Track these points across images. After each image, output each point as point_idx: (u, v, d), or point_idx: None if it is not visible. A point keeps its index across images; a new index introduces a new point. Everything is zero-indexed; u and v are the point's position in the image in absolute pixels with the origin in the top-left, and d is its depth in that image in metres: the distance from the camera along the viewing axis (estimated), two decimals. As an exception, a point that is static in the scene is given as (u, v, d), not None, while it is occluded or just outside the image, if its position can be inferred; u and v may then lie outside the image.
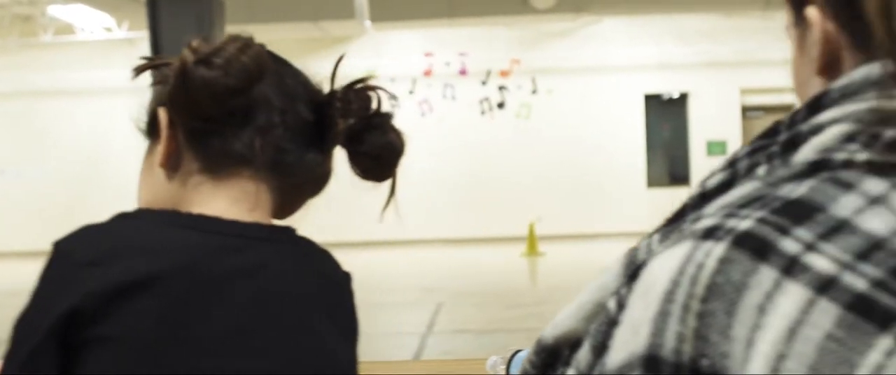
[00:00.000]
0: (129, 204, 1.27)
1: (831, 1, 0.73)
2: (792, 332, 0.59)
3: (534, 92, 16.32)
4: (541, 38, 16.27)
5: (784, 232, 0.63)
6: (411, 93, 16.35)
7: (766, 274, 0.62)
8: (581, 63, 16.27)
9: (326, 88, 1.33)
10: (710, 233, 0.66)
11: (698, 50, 16.31)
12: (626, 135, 16.36)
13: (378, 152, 1.36)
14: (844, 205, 0.63)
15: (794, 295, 0.60)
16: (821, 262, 0.61)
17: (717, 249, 0.64)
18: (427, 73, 16.32)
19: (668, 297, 0.65)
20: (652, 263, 0.69)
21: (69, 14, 14.47)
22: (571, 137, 16.28)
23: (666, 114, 16.65)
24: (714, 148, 16.39)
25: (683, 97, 16.56)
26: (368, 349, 5.22)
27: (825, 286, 0.60)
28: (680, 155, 16.67)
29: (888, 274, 0.59)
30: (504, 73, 16.28)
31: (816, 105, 0.72)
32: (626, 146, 16.36)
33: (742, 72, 16.38)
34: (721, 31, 16.32)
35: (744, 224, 0.65)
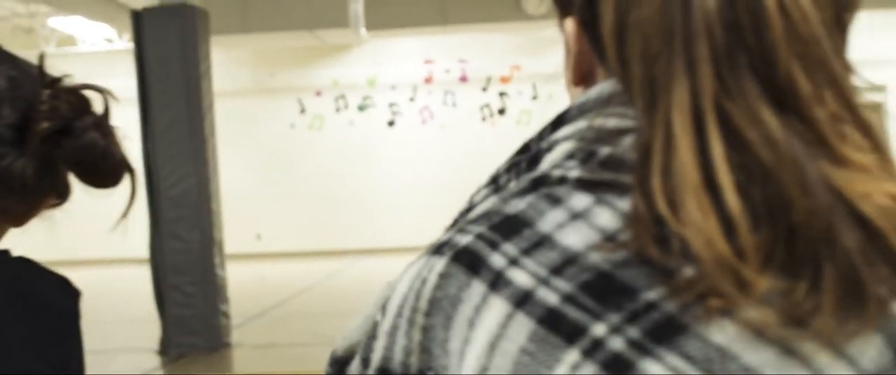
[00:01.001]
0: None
1: (580, 17, 0.73)
2: (492, 346, 0.61)
3: (534, 98, 16.33)
4: (541, 44, 16.27)
5: (494, 247, 0.64)
6: (412, 100, 16.38)
7: (477, 289, 0.64)
8: (581, 68, 16.25)
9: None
10: (438, 249, 0.68)
11: (698, 54, 16.28)
12: (627, 140, 16.33)
13: (77, 157, 1.22)
14: (549, 221, 0.64)
15: (496, 309, 0.62)
16: (520, 277, 0.62)
17: (439, 264, 0.66)
18: (427, 80, 16.34)
19: (398, 311, 0.67)
20: (400, 277, 0.71)
21: (70, 26, 14.56)
22: (572, 143, 16.25)
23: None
24: (715, 152, 16.36)
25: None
26: (309, 357, 5.20)
27: (522, 300, 0.62)
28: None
29: (578, 289, 0.61)
30: (504, 80, 16.29)
31: (559, 121, 0.74)
32: (628, 151, 16.33)
33: (743, 76, 16.34)
34: (721, 35, 16.29)
35: (464, 239, 0.66)
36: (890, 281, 0.58)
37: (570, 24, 0.77)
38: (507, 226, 0.65)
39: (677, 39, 0.60)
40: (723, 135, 0.58)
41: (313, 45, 13.74)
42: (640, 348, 0.59)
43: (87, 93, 1.25)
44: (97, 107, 1.26)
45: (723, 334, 0.59)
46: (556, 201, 0.65)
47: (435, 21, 11.84)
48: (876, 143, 0.62)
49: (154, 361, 6.92)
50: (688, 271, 0.58)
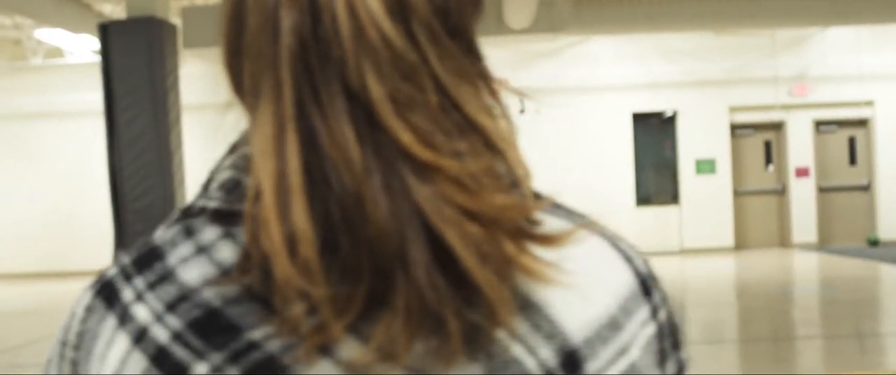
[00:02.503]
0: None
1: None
2: None
3: (522, 112, 16.29)
4: (528, 58, 16.30)
5: (128, 280, 0.63)
6: (399, 113, 16.37)
7: (109, 324, 0.63)
8: (568, 83, 16.29)
9: None
10: (93, 282, 0.66)
11: (685, 68, 16.31)
12: (614, 155, 16.35)
13: None
14: (177, 254, 0.63)
15: (119, 345, 0.61)
16: (141, 312, 0.61)
17: (86, 297, 0.65)
18: (415, 94, 16.34)
19: (57, 342, 0.66)
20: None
21: (57, 38, 14.57)
22: (559, 157, 16.26)
23: (654, 133, 16.62)
24: (703, 166, 16.36)
25: (671, 116, 16.53)
26: None
27: (140, 336, 0.61)
28: (668, 173, 16.63)
29: (186, 326, 0.60)
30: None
31: (233, 147, 0.70)
32: (615, 165, 16.35)
33: (730, 91, 16.37)
34: (708, 50, 16.32)
35: (111, 271, 0.65)
36: (454, 301, 0.56)
37: None
38: (144, 259, 0.64)
39: (265, 61, 0.59)
40: (304, 153, 0.57)
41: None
42: None
43: None
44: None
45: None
46: (189, 234, 0.64)
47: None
48: (492, 148, 0.60)
49: None
50: (296, 308, 0.56)
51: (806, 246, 16.26)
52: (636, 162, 16.51)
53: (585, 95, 16.33)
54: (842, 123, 16.70)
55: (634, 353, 0.62)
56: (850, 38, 16.30)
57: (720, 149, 16.43)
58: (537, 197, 0.67)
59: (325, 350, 0.57)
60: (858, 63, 16.30)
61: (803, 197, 16.49)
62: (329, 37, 0.58)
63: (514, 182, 0.62)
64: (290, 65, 0.58)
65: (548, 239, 0.60)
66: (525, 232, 0.59)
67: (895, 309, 9.20)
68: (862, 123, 16.70)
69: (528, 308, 0.60)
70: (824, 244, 16.53)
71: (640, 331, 0.64)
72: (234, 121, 0.67)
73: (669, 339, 0.67)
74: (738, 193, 16.65)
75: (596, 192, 16.28)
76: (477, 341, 0.57)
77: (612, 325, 0.62)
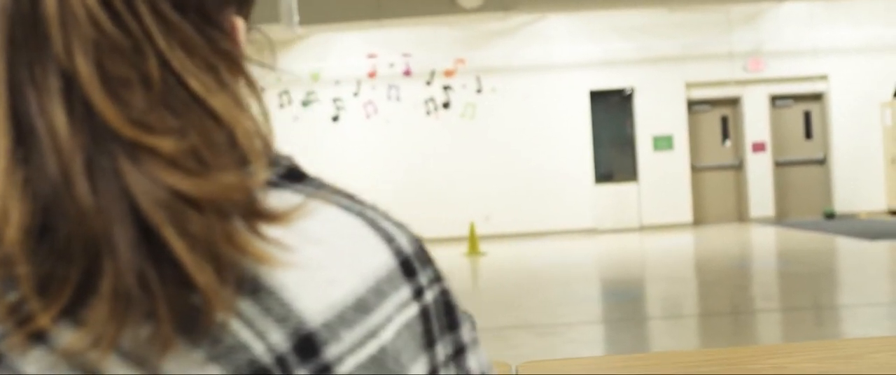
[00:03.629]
0: None
1: None
2: None
3: (478, 91, 16.29)
4: (484, 38, 16.24)
5: None
6: (356, 94, 16.28)
7: None
8: (525, 61, 16.25)
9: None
10: None
11: (641, 45, 16.33)
12: (572, 133, 16.35)
13: None
14: None
15: None
16: None
17: None
18: (371, 75, 16.25)
19: None
20: None
21: None
22: (517, 136, 16.26)
23: (611, 111, 16.63)
24: (660, 143, 16.41)
25: (629, 93, 16.55)
26: None
27: None
28: (626, 151, 16.66)
29: None
30: (448, 73, 16.23)
31: None
32: (572, 143, 16.35)
33: (686, 67, 16.41)
34: (663, 26, 16.34)
35: None
36: (166, 286, 0.54)
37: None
38: None
39: None
40: (15, 133, 0.56)
41: (258, 38, 13.59)
42: None
43: None
44: None
45: (37, 364, 0.56)
46: None
47: (368, 15, 11.77)
48: (221, 123, 0.58)
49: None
50: (11, 294, 0.55)
51: (763, 221, 16.37)
52: (594, 139, 16.52)
53: (542, 74, 16.30)
54: (797, 98, 16.80)
55: (386, 336, 0.59)
56: (804, 12, 16.39)
57: (677, 125, 16.48)
58: (287, 172, 0.66)
59: (41, 336, 0.55)
60: (813, 37, 16.39)
61: (760, 171, 16.59)
62: (39, 16, 0.57)
63: (243, 158, 0.59)
64: (2, 45, 0.57)
65: (277, 217, 0.59)
66: (252, 211, 0.58)
67: (850, 280, 9.26)
68: (817, 97, 16.81)
69: (258, 291, 0.57)
70: (781, 218, 16.66)
71: (397, 314, 0.61)
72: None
73: (441, 321, 0.64)
74: (695, 169, 16.72)
75: (554, 171, 16.30)
76: (196, 326, 0.55)
77: (360, 307, 0.59)
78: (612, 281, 10.10)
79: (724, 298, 8.36)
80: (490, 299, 8.85)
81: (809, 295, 8.23)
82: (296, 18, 11.50)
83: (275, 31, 11.91)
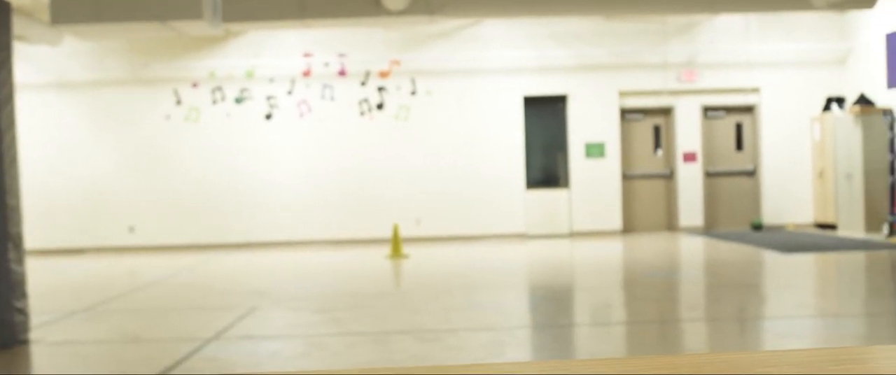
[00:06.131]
0: None
1: None
2: None
3: (413, 93, 16.29)
4: (420, 40, 16.25)
5: None
6: (290, 93, 16.23)
7: None
8: (460, 65, 16.28)
9: None
10: None
11: (577, 53, 16.40)
12: (505, 137, 16.39)
13: None
14: None
15: None
16: None
17: None
18: (306, 74, 16.21)
19: None
20: None
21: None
22: (450, 139, 16.28)
23: (545, 117, 16.69)
24: (592, 150, 16.49)
25: (562, 99, 16.61)
26: (101, 355, 5.05)
27: None
28: (559, 157, 16.73)
29: None
30: (383, 75, 16.22)
31: None
32: (505, 148, 16.39)
33: (620, 75, 16.51)
34: (599, 34, 16.43)
35: None
36: None
37: None
38: None
39: None
40: None
41: (173, 36, 13.49)
42: None
43: None
44: None
45: None
46: None
47: (292, 14, 11.74)
48: None
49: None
50: None
51: (692, 230, 16.51)
52: (527, 145, 16.57)
53: (477, 78, 16.34)
54: (729, 109, 16.95)
55: None
56: (738, 25, 16.55)
57: (610, 133, 16.57)
58: None
59: None
60: (746, 50, 16.56)
61: (690, 181, 16.72)
62: None
63: None
64: None
65: None
66: None
67: (774, 292, 9.36)
68: (748, 110, 16.98)
69: None
70: (710, 228, 16.81)
71: None
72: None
73: None
74: (626, 177, 16.83)
75: (486, 175, 16.34)
76: None
77: None
78: (522, 287, 10.14)
79: (650, 307, 8.43)
80: (392, 302, 8.86)
81: (733, 306, 8.32)
82: (219, 15, 11.44)
83: (201, 28, 11.87)
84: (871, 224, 14.76)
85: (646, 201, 16.94)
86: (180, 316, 8.31)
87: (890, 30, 15.07)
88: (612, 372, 1.13)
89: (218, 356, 6.16)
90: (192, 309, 8.75)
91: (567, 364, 1.18)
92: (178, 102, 16.21)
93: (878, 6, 15.15)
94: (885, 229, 14.23)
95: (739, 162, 17.04)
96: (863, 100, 15.14)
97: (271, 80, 16.22)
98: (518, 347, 6.30)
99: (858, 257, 11.91)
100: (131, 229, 16.28)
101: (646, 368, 1.15)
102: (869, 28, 15.83)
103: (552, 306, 8.60)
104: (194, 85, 16.20)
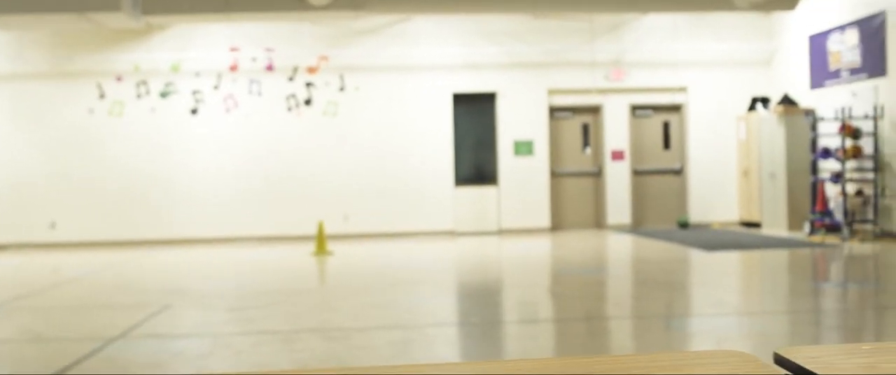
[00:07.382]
0: None
1: None
2: None
3: (341, 89, 16.17)
4: (349, 36, 16.13)
5: None
6: (216, 88, 16.02)
7: None
8: (389, 61, 16.19)
9: None
10: None
11: (506, 50, 16.40)
12: (434, 134, 16.34)
13: None
14: None
15: None
16: None
17: None
18: (233, 68, 16.00)
19: None
20: None
21: None
22: (379, 135, 16.19)
23: (474, 114, 16.67)
24: (521, 148, 16.50)
25: (491, 97, 16.61)
26: (28, 352, 4.87)
27: None
28: (488, 154, 16.72)
29: None
30: (311, 70, 16.08)
31: None
32: (434, 145, 16.34)
33: (549, 73, 16.54)
34: (528, 32, 16.45)
35: None
36: None
37: None
38: None
39: None
40: None
41: (96, 28, 13.24)
42: None
43: None
44: None
45: None
46: None
47: (216, 8, 11.57)
48: None
49: None
50: None
51: (620, 228, 16.60)
52: (456, 142, 16.54)
53: (406, 74, 16.27)
54: (657, 108, 17.07)
55: None
56: (666, 25, 16.67)
57: (538, 130, 16.60)
58: None
59: None
60: (673, 50, 16.68)
61: (618, 179, 16.81)
62: None
63: None
64: None
65: None
66: None
67: (699, 290, 9.41)
68: (676, 108, 17.11)
69: None
70: (638, 226, 16.91)
71: None
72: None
73: None
74: (555, 175, 16.87)
75: (415, 172, 16.28)
76: None
77: None
78: (443, 285, 10.09)
79: (577, 304, 8.41)
80: (308, 300, 8.76)
81: (659, 304, 8.33)
82: (138, 7, 11.24)
83: (120, 20, 11.66)
84: (794, 222, 14.95)
85: (574, 199, 17.00)
86: (90, 315, 8.13)
87: (813, 31, 15.28)
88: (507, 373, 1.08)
89: (119, 355, 6.02)
90: (104, 307, 8.58)
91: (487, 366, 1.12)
92: (102, 96, 15.93)
93: (800, 8, 15.34)
94: (807, 227, 14.42)
95: (667, 160, 17.17)
96: (787, 101, 15.33)
97: (197, 75, 16.00)
98: (425, 346, 6.24)
99: (780, 255, 12.04)
100: (53, 225, 15.97)
101: (537, 369, 1.11)
102: (793, 30, 16.03)
103: (470, 304, 8.56)
104: (118, 78, 15.92)
